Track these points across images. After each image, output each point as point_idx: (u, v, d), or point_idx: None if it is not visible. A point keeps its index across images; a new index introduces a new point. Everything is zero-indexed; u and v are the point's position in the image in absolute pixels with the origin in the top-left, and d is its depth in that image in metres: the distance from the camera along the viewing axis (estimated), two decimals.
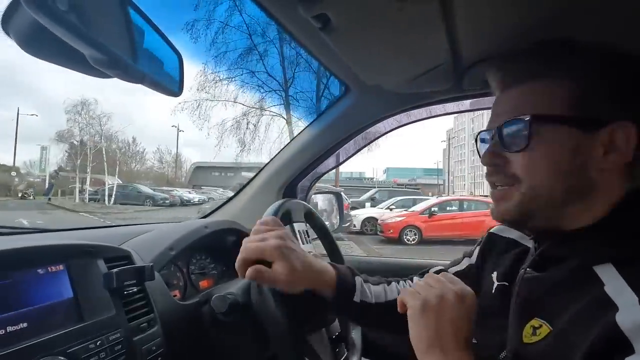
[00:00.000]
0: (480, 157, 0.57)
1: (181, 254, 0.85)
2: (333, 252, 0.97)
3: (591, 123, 0.46)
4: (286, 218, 0.84)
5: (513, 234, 0.64)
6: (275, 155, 1.22)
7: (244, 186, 1.26)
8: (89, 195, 17.88)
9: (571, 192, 0.48)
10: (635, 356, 0.36)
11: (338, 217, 1.38)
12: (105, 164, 19.34)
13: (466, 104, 1.03)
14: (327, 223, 1.01)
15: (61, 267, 0.60)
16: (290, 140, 1.20)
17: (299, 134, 1.19)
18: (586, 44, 0.50)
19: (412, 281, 0.76)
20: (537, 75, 0.50)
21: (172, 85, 0.54)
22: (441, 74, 0.84)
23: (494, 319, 0.56)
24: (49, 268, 0.58)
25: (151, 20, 0.49)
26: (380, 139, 1.28)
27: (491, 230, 0.69)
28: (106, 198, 17.24)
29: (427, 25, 0.64)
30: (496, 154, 0.52)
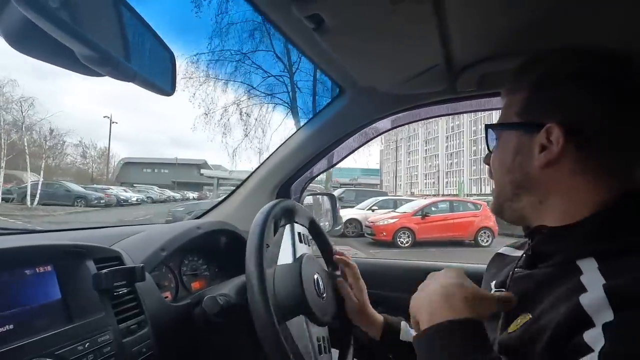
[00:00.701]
0: None
1: (173, 255, 0.84)
2: (325, 252, 0.97)
3: (529, 127, 0.53)
4: (289, 215, 0.84)
5: (516, 253, 0.67)
6: (270, 156, 1.22)
7: (238, 187, 1.26)
8: (1, 194, 13.97)
9: (518, 186, 0.55)
10: (595, 329, 0.38)
11: (332, 219, 1.38)
12: (27, 157, 15.72)
13: (460, 105, 1.04)
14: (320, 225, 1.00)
15: (49, 267, 0.59)
16: (285, 141, 1.20)
17: (293, 134, 1.19)
18: (554, 54, 0.55)
19: None
20: (511, 89, 0.58)
21: (164, 84, 0.53)
22: (435, 76, 0.84)
23: (489, 322, 0.57)
24: (37, 269, 0.57)
25: (143, 18, 0.49)
26: None
27: (498, 251, 0.73)
28: (28, 198, 13.71)
29: (420, 27, 0.65)
30: (487, 156, 0.62)
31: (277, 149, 1.21)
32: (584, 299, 0.41)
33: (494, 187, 0.60)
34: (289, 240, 0.82)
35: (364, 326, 0.81)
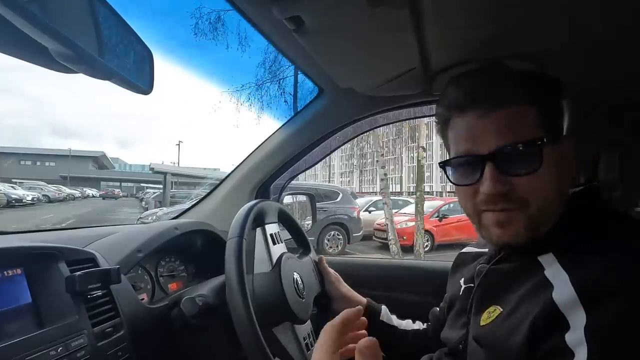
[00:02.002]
0: (453, 182, 0.57)
1: (149, 256, 0.83)
2: (297, 237, 1.00)
3: (559, 139, 0.52)
4: (259, 219, 0.83)
5: (480, 250, 0.71)
6: (248, 155, 1.21)
7: (216, 186, 1.24)
8: None
9: (560, 202, 0.52)
10: (571, 332, 0.40)
11: (311, 218, 1.39)
12: None
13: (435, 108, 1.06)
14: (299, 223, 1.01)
15: (19, 270, 0.57)
16: (264, 141, 1.20)
17: (272, 134, 1.19)
18: (540, 75, 0.56)
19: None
20: (512, 99, 0.51)
21: (142, 83, 0.52)
22: (412, 79, 0.87)
23: (460, 317, 0.63)
24: (5, 272, 0.55)
25: (120, 15, 0.48)
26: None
27: (462, 251, 0.77)
28: None
29: (398, 30, 0.66)
30: (501, 181, 0.50)
31: (256, 148, 1.20)
32: (556, 296, 0.43)
33: (512, 215, 0.51)
34: (262, 245, 0.82)
35: (346, 305, 0.85)
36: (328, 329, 0.51)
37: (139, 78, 0.52)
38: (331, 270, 0.95)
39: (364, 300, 0.90)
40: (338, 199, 8.02)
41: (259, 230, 0.83)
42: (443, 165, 0.57)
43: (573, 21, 0.63)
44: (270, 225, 0.88)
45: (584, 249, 0.47)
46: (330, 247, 7.83)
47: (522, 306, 0.47)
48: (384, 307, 0.90)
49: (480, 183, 0.52)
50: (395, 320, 0.89)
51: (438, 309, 0.85)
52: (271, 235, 0.86)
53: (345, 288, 0.92)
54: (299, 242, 1.01)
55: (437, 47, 0.73)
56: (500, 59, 0.75)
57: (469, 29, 0.67)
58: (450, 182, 0.56)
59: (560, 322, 0.41)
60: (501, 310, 0.51)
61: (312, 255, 0.97)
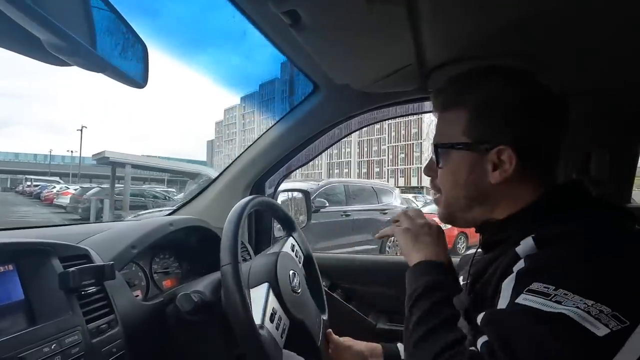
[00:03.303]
0: None
1: (144, 252, 0.82)
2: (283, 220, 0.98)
3: (479, 147, 0.57)
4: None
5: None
6: (243, 152, 1.21)
7: (212, 182, 1.24)
8: None
9: (472, 200, 0.60)
10: (520, 261, 0.49)
11: (305, 215, 1.39)
12: None
13: (430, 104, 1.07)
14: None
15: (11, 267, 0.56)
16: (259, 137, 1.19)
17: (267, 130, 1.18)
18: (486, 76, 0.61)
19: None
20: (450, 105, 0.61)
21: (136, 76, 0.51)
22: (407, 76, 0.87)
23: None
24: None
25: (115, 7, 0.47)
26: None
27: (464, 254, 0.82)
28: None
29: (394, 27, 0.66)
30: (431, 168, 0.65)
31: (251, 145, 1.20)
32: (519, 249, 0.51)
33: (438, 198, 0.65)
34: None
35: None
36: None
37: (134, 72, 0.52)
38: (341, 343, 0.86)
39: (378, 347, 0.85)
40: (392, 200, 7.63)
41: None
42: None
43: (566, 21, 0.64)
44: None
45: (555, 225, 0.52)
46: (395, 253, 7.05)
47: (494, 272, 0.54)
48: (399, 345, 0.84)
49: None
50: None
51: None
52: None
53: (358, 347, 0.85)
54: (285, 225, 0.98)
55: (432, 44, 0.73)
56: (494, 56, 0.76)
57: (465, 26, 0.67)
58: None
59: (516, 261, 0.50)
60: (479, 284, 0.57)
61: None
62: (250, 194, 1.19)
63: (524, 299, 0.44)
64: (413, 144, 54.16)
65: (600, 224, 0.50)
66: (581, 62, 0.79)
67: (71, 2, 0.41)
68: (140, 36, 0.53)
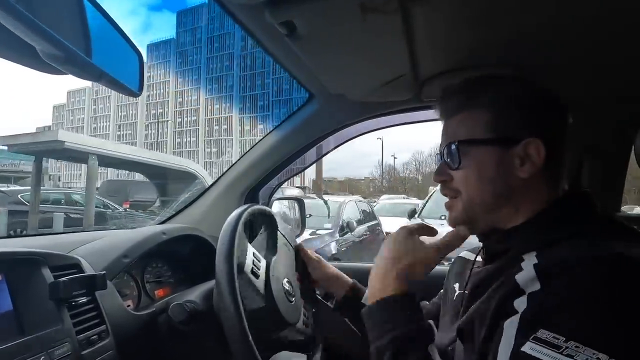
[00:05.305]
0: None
1: (136, 262, 0.81)
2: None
3: (505, 141, 0.56)
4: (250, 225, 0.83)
5: (475, 257, 0.72)
6: (238, 160, 1.20)
7: (205, 190, 1.23)
8: None
9: (499, 197, 0.58)
10: (522, 297, 0.46)
11: (300, 223, 1.38)
12: None
13: (424, 114, 1.08)
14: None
15: (0, 277, 0.55)
16: (253, 145, 1.19)
17: (262, 139, 1.18)
18: (499, 79, 0.62)
19: None
20: (463, 108, 0.60)
21: (131, 85, 0.51)
22: (402, 85, 0.88)
23: (452, 321, 0.64)
24: None
25: (110, 16, 0.47)
26: None
27: (460, 255, 0.78)
28: None
29: (389, 37, 0.67)
30: (442, 172, 0.62)
31: (246, 153, 1.20)
32: (519, 276, 0.48)
33: (453, 202, 0.61)
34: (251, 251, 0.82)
35: (333, 286, 0.89)
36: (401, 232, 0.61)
37: (129, 80, 0.52)
38: (313, 254, 0.93)
39: (350, 281, 0.89)
40: None
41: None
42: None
43: (559, 32, 0.65)
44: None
45: (561, 245, 0.50)
46: None
47: (494, 294, 0.51)
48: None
49: None
50: None
51: (427, 302, 0.85)
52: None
53: (331, 269, 0.91)
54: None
55: (427, 54, 0.74)
56: (488, 67, 0.77)
57: (459, 37, 0.68)
58: None
59: (516, 293, 0.47)
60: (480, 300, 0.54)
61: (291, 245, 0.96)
62: (244, 203, 1.19)
63: (530, 349, 0.41)
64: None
65: (610, 252, 0.45)
66: (574, 71, 0.81)
67: (67, 12, 0.41)
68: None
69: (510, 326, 0.44)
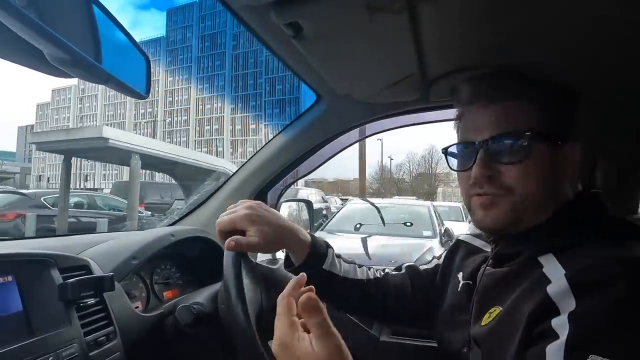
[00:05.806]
0: (451, 168, 0.62)
1: (145, 264, 0.81)
2: None
3: (558, 139, 0.55)
4: None
5: (477, 242, 0.71)
6: (246, 162, 1.21)
7: (213, 192, 1.23)
8: None
9: (548, 198, 0.55)
10: (560, 317, 0.43)
11: (308, 225, 1.38)
12: None
13: (433, 114, 1.07)
14: None
15: (10, 278, 0.56)
16: (261, 148, 1.19)
17: (269, 141, 1.19)
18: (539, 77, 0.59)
19: (383, 271, 0.81)
20: (510, 96, 0.55)
21: (138, 87, 0.52)
22: (409, 86, 0.87)
23: (459, 314, 0.63)
24: None
25: (117, 19, 0.48)
26: None
27: (459, 238, 0.76)
28: None
29: (396, 37, 0.67)
30: (488, 166, 0.55)
31: (254, 155, 1.20)
32: (550, 289, 0.45)
33: (497, 199, 0.55)
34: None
35: (290, 250, 0.72)
36: (281, 302, 0.47)
37: (136, 83, 0.52)
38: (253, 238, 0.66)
39: (308, 238, 0.72)
40: None
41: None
42: (445, 152, 0.62)
43: (570, 31, 0.64)
44: None
45: (581, 248, 0.48)
46: None
47: (520, 304, 0.49)
48: (331, 251, 0.73)
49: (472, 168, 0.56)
50: (345, 267, 0.74)
51: (419, 266, 0.82)
52: None
53: (281, 219, 0.71)
54: None
55: (435, 53, 0.73)
56: (497, 66, 0.76)
57: (467, 36, 0.67)
58: (450, 168, 0.61)
59: (551, 310, 0.44)
60: (500, 308, 0.52)
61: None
62: None
63: None
64: None
65: (634, 257, 0.45)
66: (587, 71, 0.79)
67: (74, 15, 0.42)
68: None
69: (557, 353, 0.42)
